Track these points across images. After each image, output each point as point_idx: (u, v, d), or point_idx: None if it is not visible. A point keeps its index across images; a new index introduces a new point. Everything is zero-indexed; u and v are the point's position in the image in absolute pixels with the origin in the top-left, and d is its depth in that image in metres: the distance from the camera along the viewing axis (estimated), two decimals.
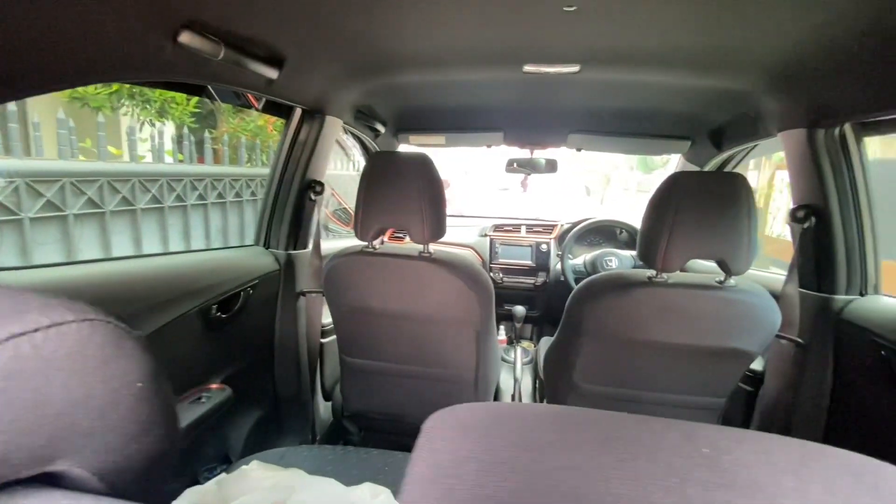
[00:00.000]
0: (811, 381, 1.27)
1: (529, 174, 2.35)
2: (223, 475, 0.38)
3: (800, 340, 1.29)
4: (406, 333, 1.25)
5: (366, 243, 1.20)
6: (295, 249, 1.51)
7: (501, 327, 2.54)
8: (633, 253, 2.22)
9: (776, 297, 1.33)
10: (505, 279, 2.50)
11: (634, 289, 1.11)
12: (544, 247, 2.48)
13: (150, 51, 0.77)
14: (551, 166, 2.25)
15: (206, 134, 2.66)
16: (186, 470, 1.20)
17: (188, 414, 0.99)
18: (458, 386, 1.31)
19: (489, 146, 2.19)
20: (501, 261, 2.51)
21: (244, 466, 0.40)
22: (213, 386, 1.11)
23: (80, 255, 2.31)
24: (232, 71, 0.96)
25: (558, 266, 2.38)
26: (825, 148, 1.19)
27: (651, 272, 1.13)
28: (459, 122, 1.92)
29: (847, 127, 1.17)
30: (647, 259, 1.11)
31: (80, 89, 2.69)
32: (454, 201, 4.89)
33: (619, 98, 1.52)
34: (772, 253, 8.01)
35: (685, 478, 0.42)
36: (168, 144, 2.75)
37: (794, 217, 1.29)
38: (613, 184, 12.44)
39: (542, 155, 2.26)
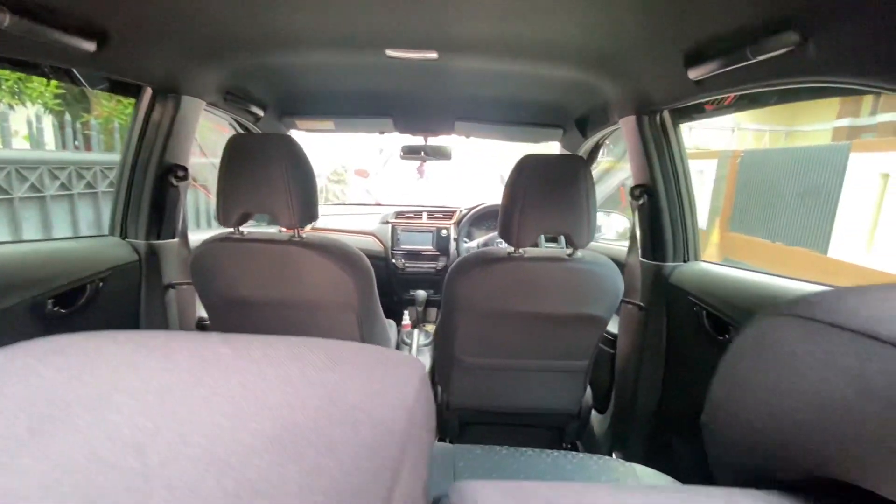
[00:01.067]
0: (651, 340, 1.45)
1: (424, 161, 2.39)
2: None
3: (641, 304, 1.47)
4: (285, 322, 1.23)
5: (231, 229, 1.16)
6: (158, 239, 1.42)
7: (406, 312, 2.59)
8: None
9: (622, 266, 1.50)
10: (407, 265, 2.54)
11: (496, 264, 1.19)
12: (444, 232, 2.55)
13: None
14: (444, 153, 2.31)
15: (67, 117, 2.38)
16: None
17: None
18: None
19: (381, 132, 2.20)
20: (403, 247, 2.54)
21: None
22: None
23: None
24: (30, 42, 0.87)
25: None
26: (650, 133, 1.35)
27: (511, 249, 1.22)
28: (348, 107, 1.90)
29: (665, 114, 1.34)
30: (505, 237, 1.20)
31: None
32: (373, 190, 4.85)
33: (495, 87, 1.60)
34: None
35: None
36: (22, 128, 2.40)
37: (632, 195, 1.45)
38: None
39: (435, 142, 2.31)
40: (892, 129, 6.90)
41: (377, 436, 0.27)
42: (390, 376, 0.33)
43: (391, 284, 2.56)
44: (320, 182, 6.74)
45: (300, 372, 0.32)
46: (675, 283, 1.37)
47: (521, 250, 1.21)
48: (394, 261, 2.52)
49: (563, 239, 2.50)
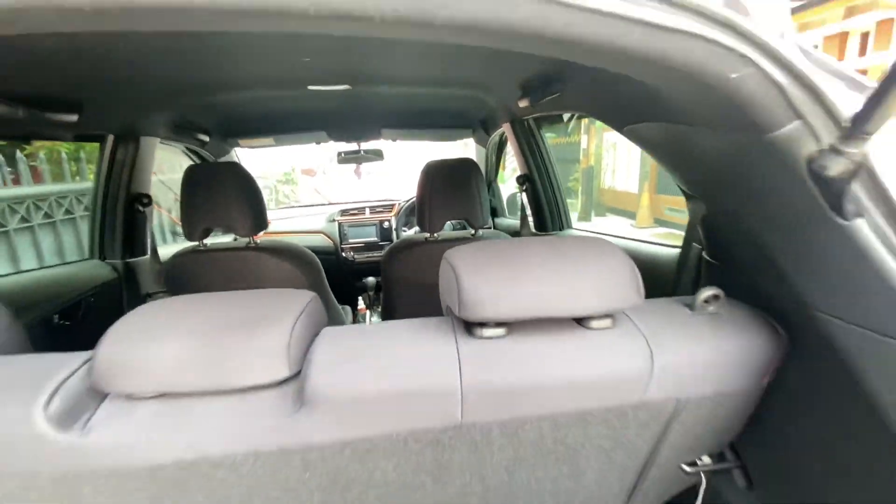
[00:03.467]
0: None
1: (360, 164, 2.71)
2: None
3: None
4: None
5: (196, 242, 1.46)
6: (132, 257, 1.69)
7: (360, 298, 2.93)
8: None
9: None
10: (356, 256, 2.87)
11: (416, 247, 1.56)
12: (386, 224, 2.89)
13: None
14: (377, 154, 2.64)
15: (18, 151, 2.50)
16: None
17: None
18: None
19: (318, 143, 2.49)
20: (351, 241, 2.87)
21: None
22: None
23: None
24: (27, 122, 1.13)
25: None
26: (522, 135, 1.75)
27: (427, 234, 1.58)
28: (285, 125, 2.18)
29: (531, 121, 1.74)
30: (421, 226, 1.56)
31: None
32: (322, 188, 5.06)
33: (409, 102, 1.94)
34: (608, 201, 9.62)
35: None
36: None
37: (519, 183, 1.86)
38: None
39: (368, 146, 2.63)
40: None
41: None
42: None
43: (343, 274, 2.88)
44: (269, 183, 6.84)
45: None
46: None
47: (435, 234, 1.58)
48: (344, 254, 2.85)
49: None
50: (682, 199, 0.92)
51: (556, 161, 1.81)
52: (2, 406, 0.51)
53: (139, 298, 1.70)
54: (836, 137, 0.45)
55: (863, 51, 6.71)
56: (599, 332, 0.60)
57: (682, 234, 1.00)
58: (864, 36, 6.69)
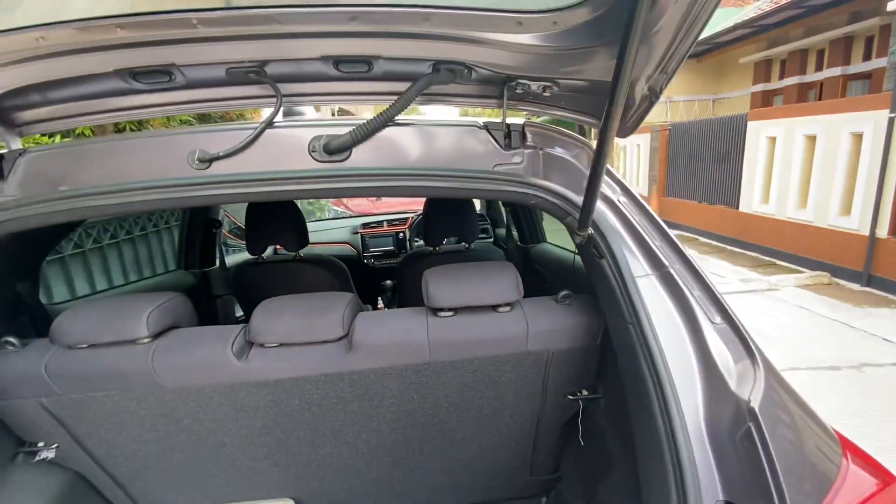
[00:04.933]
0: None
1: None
2: None
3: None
4: None
5: (256, 256, 1.98)
6: (207, 267, 2.24)
7: (379, 298, 3.44)
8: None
9: (508, 251, 2.36)
10: (376, 263, 3.38)
11: (424, 257, 2.04)
12: (401, 235, 3.39)
13: None
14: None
15: None
16: None
17: None
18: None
19: None
20: (372, 250, 3.38)
21: None
22: None
23: None
24: None
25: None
26: None
27: (431, 248, 2.06)
28: None
29: None
30: (426, 241, 2.04)
31: None
32: (345, 200, 5.59)
33: None
34: None
35: None
36: None
37: (503, 204, 2.32)
38: None
39: None
40: (795, 90, 7.89)
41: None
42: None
43: (365, 278, 3.39)
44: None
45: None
46: (531, 257, 2.25)
47: (437, 248, 2.05)
48: (365, 262, 3.36)
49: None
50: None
51: None
52: (211, 348, 1.01)
53: (211, 298, 2.25)
54: (577, 228, 0.91)
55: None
56: (503, 314, 1.06)
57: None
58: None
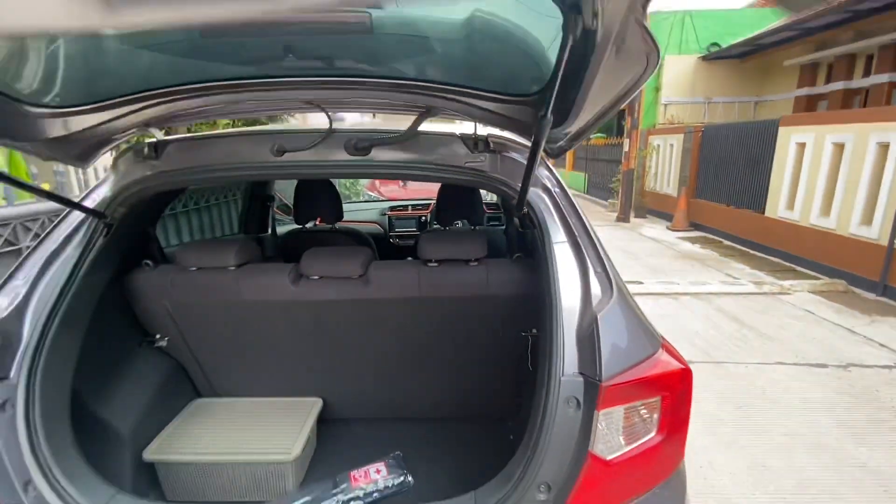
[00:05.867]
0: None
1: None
2: None
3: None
4: None
5: (301, 226, 2.47)
6: (261, 233, 2.77)
7: None
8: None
9: (509, 235, 2.75)
10: (400, 242, 3.85)
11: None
12: (423, 218, 3.84)
13: None
14: None
15: None
16: None
17: None
18: None
19: None
20: (397, 230, 3.85)
21: None
22: None
23: None
24: None
25: None
26: None
27: (443, 228, 2.49)
28: None
29: None
30: (439, 222, 2.48)
31: None
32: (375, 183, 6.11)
33: None
34: (650, 203, 9.93)
35: None
36: None
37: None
38: None
39: None
40: (840, 96, 7.70)
41: None
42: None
43: (389, 255, 3.87)
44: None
45: None
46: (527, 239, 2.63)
47: (449, 228, 2.48)
48: (391, 240, 3.84)
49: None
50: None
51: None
52: (276, 276, 1.50)
53: (263, 259, 2.78)
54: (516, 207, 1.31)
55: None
56: (472, 266, 1.49)
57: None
58: None
